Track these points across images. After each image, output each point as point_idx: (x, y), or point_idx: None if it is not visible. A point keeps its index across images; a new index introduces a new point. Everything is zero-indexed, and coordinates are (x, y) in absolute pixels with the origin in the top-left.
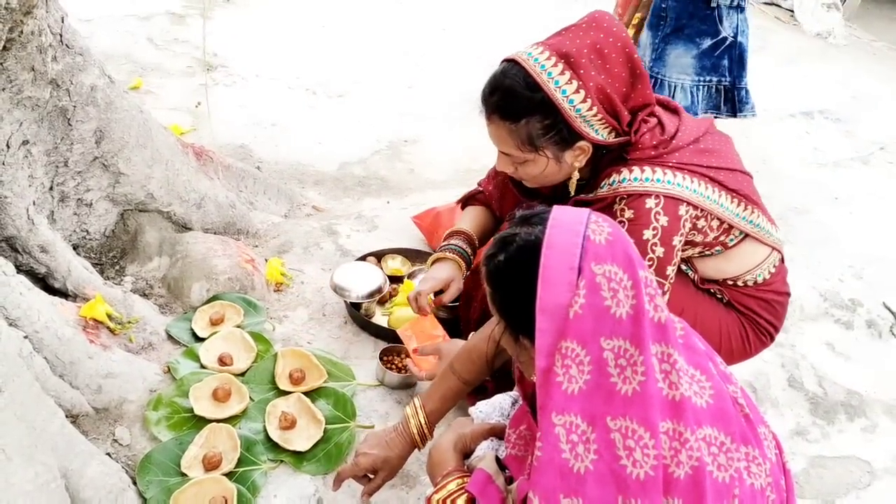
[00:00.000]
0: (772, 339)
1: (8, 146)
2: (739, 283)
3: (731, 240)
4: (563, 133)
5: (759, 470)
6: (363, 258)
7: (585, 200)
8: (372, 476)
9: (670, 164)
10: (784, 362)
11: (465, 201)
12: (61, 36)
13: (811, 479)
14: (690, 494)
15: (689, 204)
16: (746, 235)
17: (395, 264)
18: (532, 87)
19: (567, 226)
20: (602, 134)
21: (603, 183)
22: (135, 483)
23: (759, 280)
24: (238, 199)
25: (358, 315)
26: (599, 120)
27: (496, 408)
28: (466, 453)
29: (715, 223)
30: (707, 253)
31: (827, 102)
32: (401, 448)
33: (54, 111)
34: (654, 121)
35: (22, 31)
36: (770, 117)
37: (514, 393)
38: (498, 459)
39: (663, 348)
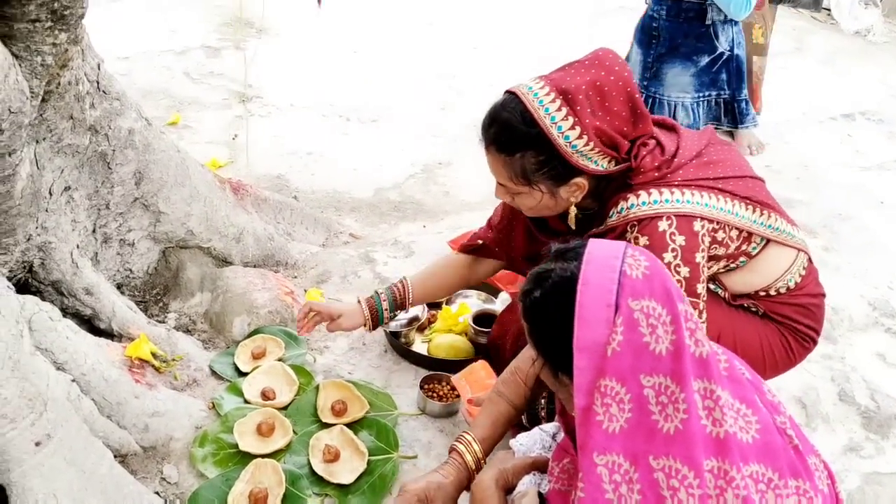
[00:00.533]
0: (814, 343)
1: (51, 193)
2: (772, 292)
3: (754, 248)
4: (557, 169)
5: None
6: None
7: (597, 233)
8: None
9: (676, 183)
10: (834, 376)
11: (463, 249)
12: (98, 83)
13: (866, 496)
14: None
15: (702, 218)
16: (768, 241)
17: None
18: (528, 122)
19: (603, 261)
20: (602, 164)
21: (611, 212)
22: None
23: (791, 286)
24: (276, 230)
25: (397, 343)
26: (598, 153)
27: (537, 440)
28: (508, 488)
29: (734, 233)
30: (732, 266)
31: (868, 103)
32: (456, 477)
33: (94, 156)
34: (652, 143)
35: (59, 83)
36: (809, 120)
37: (555, 424)
38: (540, 495)
39: (706, 384)
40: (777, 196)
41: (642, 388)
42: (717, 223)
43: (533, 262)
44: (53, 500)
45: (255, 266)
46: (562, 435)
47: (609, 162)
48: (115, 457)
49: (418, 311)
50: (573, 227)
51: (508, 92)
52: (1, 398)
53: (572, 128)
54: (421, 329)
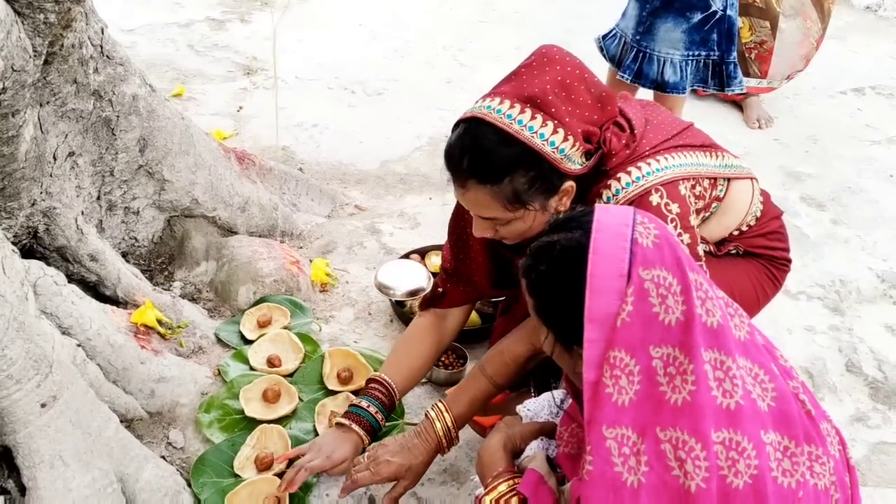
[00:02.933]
0: (789, 263)
1: (55, 158)
2: (744, 227)
3: (721, 191)
4: (548, 180)
5: (823, 469)
6: (406, 256)
7: None
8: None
9: (647, 154)
10: (841, 346)
11: (425, 304)
12: (102, 47)
13: (873, 465)
14: None
15: (683, 179)
16: (728, 180)
17: (439, 261)
18: (507, 142)
19: (614, 229)
20: (579, 162)
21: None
22: (189, 485)
23: (759, 214)
24: (281, 201)
25: (403, 313)
26: (577, 150)
27: (544, 406)
28: (516, 453)
29: (706, 182)
30: (707, 215)
31: (878, 77)
32: (425, 454)
33: (98, 122)
34: (623, 121)
35: (63, 45)
36: (819, 94)
37: (563, 391)
38: (549, 459)
39: (717, 355)
40: (786, 169)
41: (651, 360)
42: (693, 178)
43: (503, 285)
44: (59, 461)
45: (260, 236)
46: (569, 401)
47: (584, 157)
48: (122, 421)
49: (424, 281)
50: None
51: (464, 120)
52: (6, 359)
53: (554, 132)
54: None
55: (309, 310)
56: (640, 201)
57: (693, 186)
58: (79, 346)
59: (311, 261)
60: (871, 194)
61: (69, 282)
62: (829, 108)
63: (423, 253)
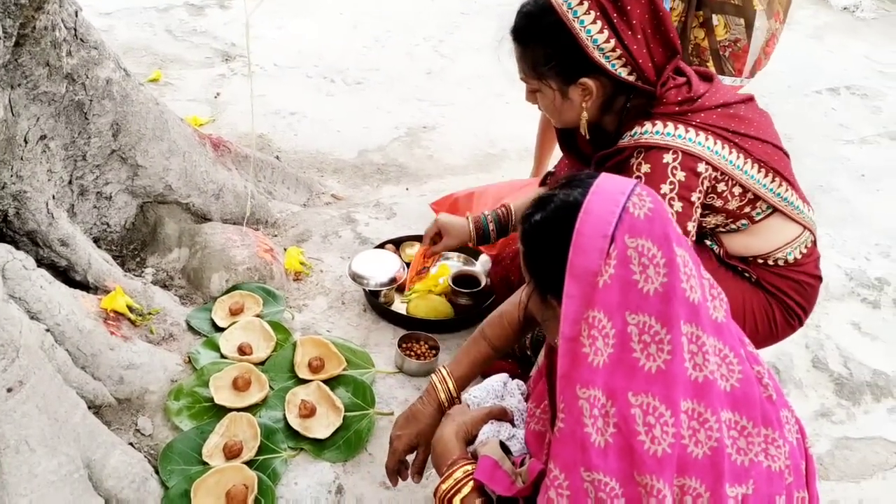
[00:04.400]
0: (801, 323)
1: (26, 141)
2: (770, 261)
3: (758, 213)
4: (564, 64)
5: (778, 452)
6: (381, 246)
7: (606, 154)
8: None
9: (694, 123)
10: (808, 343)
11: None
12: (76, 30)
13: (836, 460)
14: (708, 474)
15: (708, 164)
16: (774, 210)
17: (413, 251)
18: (546, 11)
19: (608, 194)
20: (621, 72)
21: (625, 135)
22: (157, 472)
23: (790, 259)
24: (256, 188)
25: (377, 303)
26: (618, 56)
27: (489, 391)
28: (468, 440)
29: (737, 190)
30: (733, 227)
31: (854, 77)
32: (430, 417)
33: (71, 105)
34: (681, 79)
35: (35, 27)
36: (795, 93)
37: (504, 375)
38: (502, 443)
39: (694, 329)
40: None
41: (626, 325)
42: (722, 174)
43: None
44: (25, 446)
45: (234, 224)
46: (512, 384)
47: (629, 73)
48: (90, 408)
49: (398, 270)
50: (585, 133)
51: None
52: None
53: (594, 22)
54: (400, 289)
55: (282, 298)
56: (654, 153)
57: (716, 179)
58: (47, 331)
59: (285, 249)
60: (842, 193)
61: (39, 266)
62: (803, 107)
63: (397, 243)
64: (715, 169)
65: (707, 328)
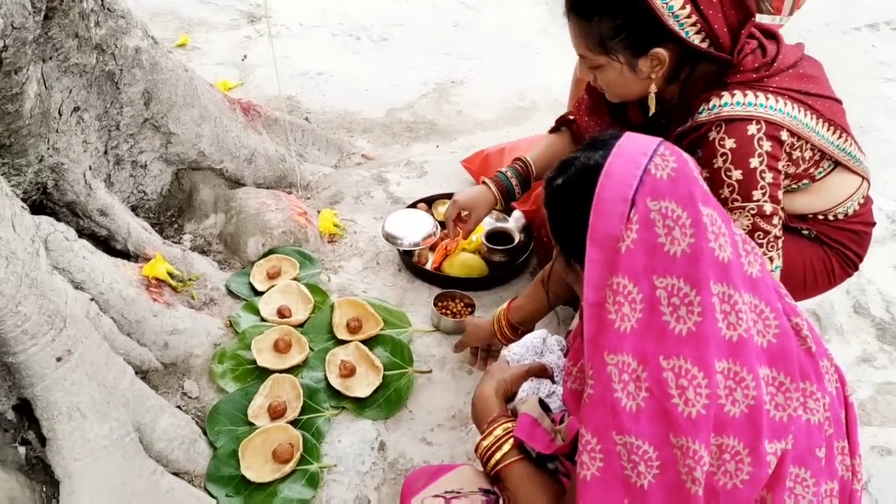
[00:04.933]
0: (856, 268)
1: (60, 114)
2: (830, 216)
3: (820, 172)
4: (635, 35)
5: (817, 405)
6: (413, 205)
7: (684, 131)
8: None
9: (772, 89)
10: (849, 288)
11: (555, 127)
12: (102, 0)
13: (878, 405)
14: (746, 432)
15: (789, 131)
16: (837, 165)
17: (445, 209)
18: None
19: (630, 155)
20: (695, 39)
21: (701, 108)
22: (205, 433)
23: (850, 213)
24: (288, 152)
25: (411, 262)
26: (692, 23)
27: (529, 348)
28: (508, 397)
29: (808, 153)
30: (794, 187)
31: (894, 12)
32: (488, 324)
33: (102, 76)
34: (754, 43)
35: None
36: (832, 31)
37: (543, 331)
38: (541, 401)
39: (725, 288)
40: None
41: (654, 289)
42: (798, 139)
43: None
44: (77, 412)
45: (267, 187)
46: (552, 339)
47: (702, 40)
48: (137, 373)
49: (431, 228)
50: (652, 107)
51: None
52: (20, 315)
53: None
54: (434, 248)
55: (318, 260)
56: (738, 125)
57: (793, 146)
58: (92, 300)
59: (318, 211)
60: (883, 133)
61: (80, 237)
62: (842, 45)
63: (429, 202)
64: (793, 135)
65: (740, 285)
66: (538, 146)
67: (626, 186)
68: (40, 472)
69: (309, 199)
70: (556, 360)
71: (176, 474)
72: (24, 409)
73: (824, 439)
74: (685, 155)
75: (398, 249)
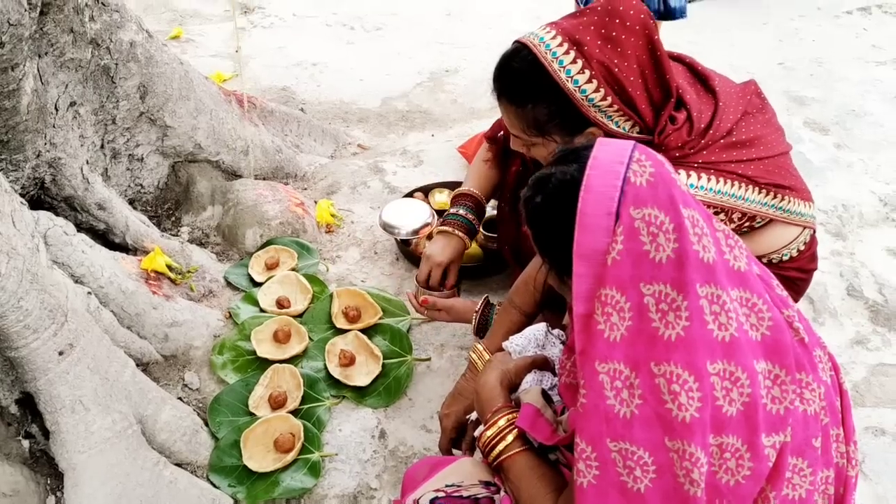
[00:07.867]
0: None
1: (56, 109)
2: (763, 260)
3: (759, 222)
4: (569, 119)
5: (813, 396)
6: (410, 194)
7: None
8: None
9: (695, 166)
10: (842, 271)
11: (490, 140)
12: None
13: (872, 387)
14: (743, 428)
15: (709, 205)
16: (771, 220)
17: (443, 198)
18: (539, 73)
19: (607, 166)
20: (623, 127)
21: None
22: (206, 424)
23: (786, 258)
24: (284, 143)
25: (408, 251)
26: (616, 111)
27: (531, 340)
28: (511, 388)
29: (737, 216)
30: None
31: None
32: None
33: (97, 70)
34: (682, 117)
35: None
36: (824, 15)
37: (544, 324)
38: (543, 392)
39: (713, 289)
40: (790, 94)
41: (642, 297)
42: (721, 209)
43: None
44: (80, 405)
45: (264, 179)
46: (553, 333)
47: (631, 126)
48: (138, 365)
49: (428, 217)
50: None
51: (518, 42)
52: (22, 310)
53: (589, 81)
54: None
55: (315, 251)
56: None
57: (714, 213)
58: (91, 293)
59: (315, 202)
60: (875, 117)
61: (78, 231)
62: (834, 28)
63: (426, 191)
64: (713, 207)
65: (727, 284)
66: (470, 176)
67: (609, 199)
68: (44, 465)
69: (306, 189)
70: (558, 353)
71: (178, 465)
72: (28, 403)
73: (820, 428)
74: (659, 157)
75: (395, 238)
